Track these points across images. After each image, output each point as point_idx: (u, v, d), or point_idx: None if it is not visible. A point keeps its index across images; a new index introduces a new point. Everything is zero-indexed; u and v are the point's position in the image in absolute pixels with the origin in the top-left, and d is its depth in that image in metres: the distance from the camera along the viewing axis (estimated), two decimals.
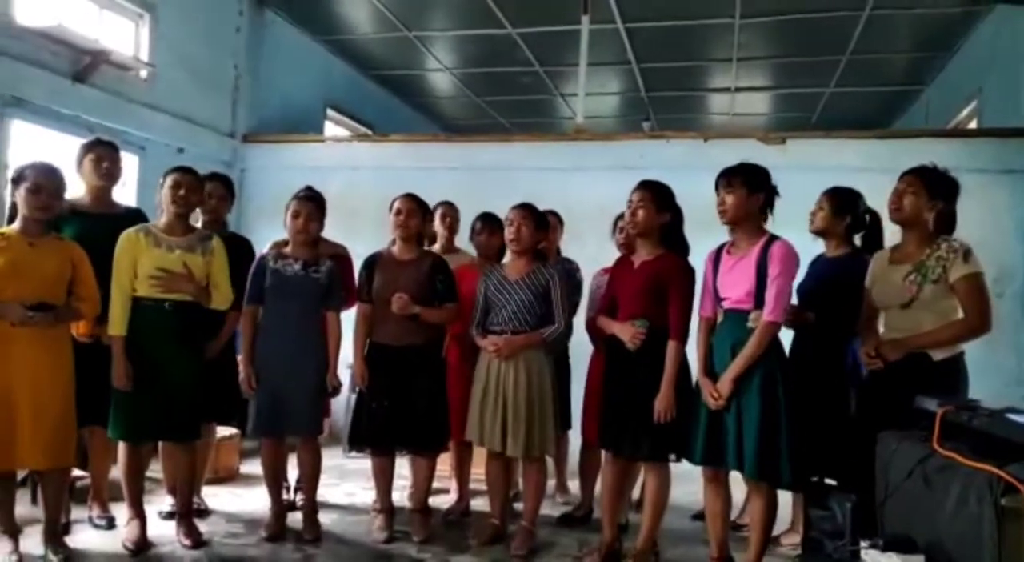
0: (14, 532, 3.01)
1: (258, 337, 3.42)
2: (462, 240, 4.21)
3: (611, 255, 3.55)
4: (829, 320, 3.13)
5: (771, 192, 2.89)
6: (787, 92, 8.09)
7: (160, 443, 3.40)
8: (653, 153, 5.45)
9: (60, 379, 2.98)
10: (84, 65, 4.63)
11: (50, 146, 4.48)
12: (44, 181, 2.93)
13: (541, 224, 3.43)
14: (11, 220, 3.04)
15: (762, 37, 6.61)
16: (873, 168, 4.10)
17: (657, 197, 3.10)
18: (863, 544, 2.08)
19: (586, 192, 5.11)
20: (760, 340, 2.72)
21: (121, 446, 3.25)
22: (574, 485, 4.11)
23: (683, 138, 5.60)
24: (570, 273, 3.87)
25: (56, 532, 3.09)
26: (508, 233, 3.38)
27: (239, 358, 3.74)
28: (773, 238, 2.83)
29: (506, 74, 7.85)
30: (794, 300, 3.29)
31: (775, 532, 3.49)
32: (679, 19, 6.27)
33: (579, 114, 6.31)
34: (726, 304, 2.87)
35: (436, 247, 4.10)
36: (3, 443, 2.85)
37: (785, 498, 3.43)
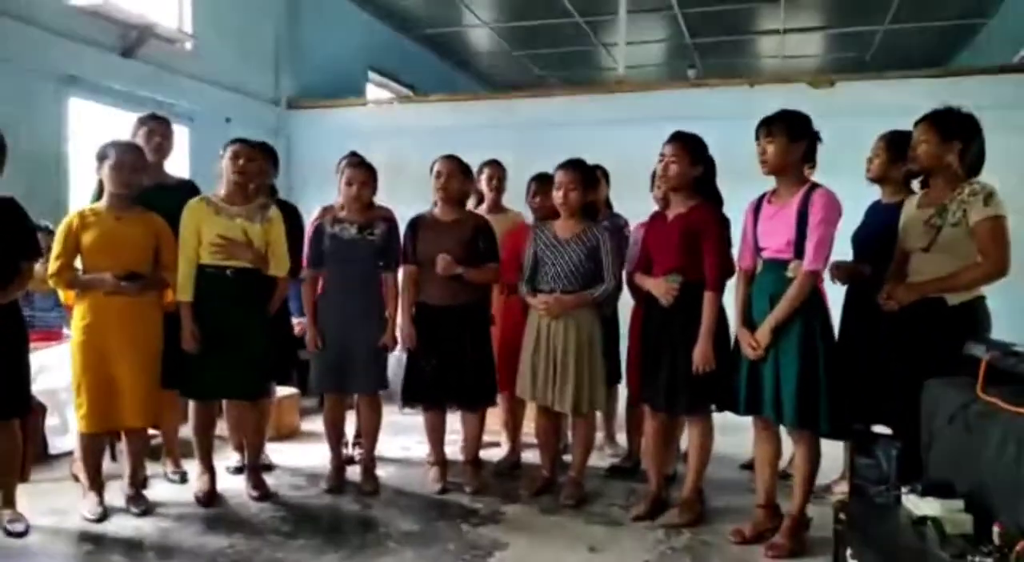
0: (100, 487, 3.24)
1: (320, 299, 3.56)
2: (508, 199, 4.22)
3: (654, 209, 3.52)
4: (887, 267, 3.07)
5: (813, 139, 2.83)
6: (839, 31, 7.77)
7: (224, 403, 3.57)
8: (697, 102, 5.35)
9: (152, 344, 3.19)
10: (131, 40, 4.76)
11: (104, 121, 4.65)
12: (126, 158, 3.10)
13: (590, 183, 3.40)
14: (99, 196, 3.21)
15: None
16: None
17: (690, 150, 3.07)
18: (903, 489, 2.09)
19: (629, 145, 5.01)
20: (800, 289, 2.70)
21: (192, 405, 3.43)
22: (622, 438, 4.17)
23: (728, 85, 5.47)
24: (619, 228, 3.87)
25: (136, 486, 3.31)
26: (556, 197, 3.37)
27: (294, 320, 3.90)
28: (815, 186, 2.78)
29: (545, 26, 7.73)
30: (845, 250, 3.23)
31: (827, 480, 3.55)
32: None
33: (620, 64, 6.20)
34: (765, 254, 2.85)
35: (483, 207, 4.13)
36: (107, 405, 3.08)
37: (838, 448, 3.45)
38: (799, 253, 2.72)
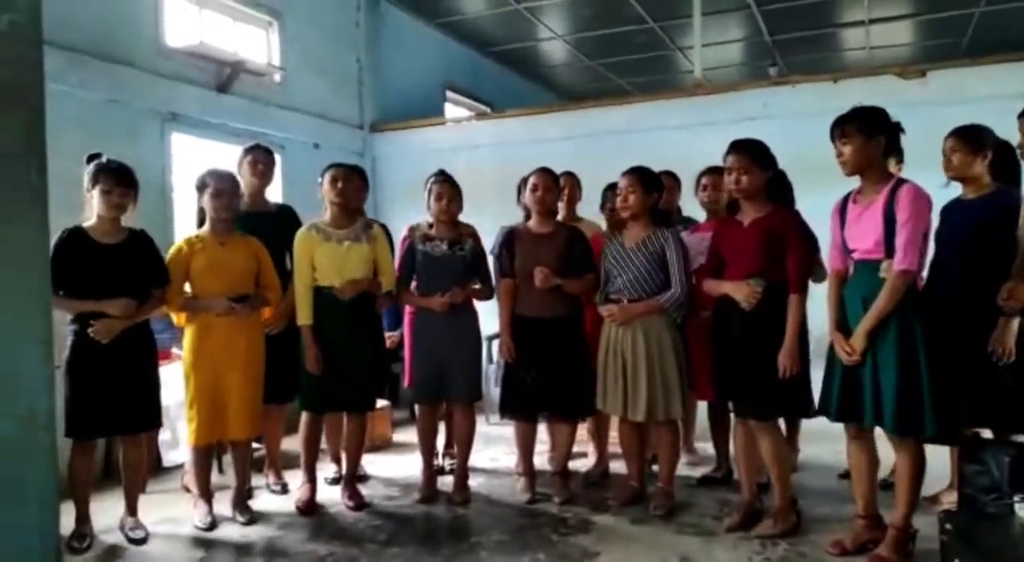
0: (209, 496, 3.44)
1: (416, 314, 3.70)
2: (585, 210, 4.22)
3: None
4: (981, 264, 2.91)
5: (894, 132, 2.72)
6: (930, 18, 7.39)
7: (327, 415, 3.71)
8: (778, 101, 5.22)
9: (256, 360, 3.38)
10: (226, 76, 5.06)
11: (202, 152, 4.94)
12: (224, 185, 3.32)
13: (651, 186, 3.39)
14: (200, 224, 3.42)
15: None
16: None
17: (756, 157, 3.02)
18: (1016, 498, 1.97)
19: (709, 148, 4.93)
20: (893, 290, 2.59)
21: (304, 417, 3.59)
22: (705, 446, 4.08)
23: (810, 82, 5.30)
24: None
25: (242, 496, 3.50)
26: (618, 200, 3.40)
27: (387, 335, 4.04)
28: (901, 182, 2.67)
29: (620, 34, 7.71)
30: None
31: (934, 490, 3.38)
32: None
33: (697, 67, 6.12)
34: (855, 255, 2.75)
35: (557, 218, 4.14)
36: (215, 417, 3.28)
37: (944, 454, 3.28)
38: (889, 252, 2.61)
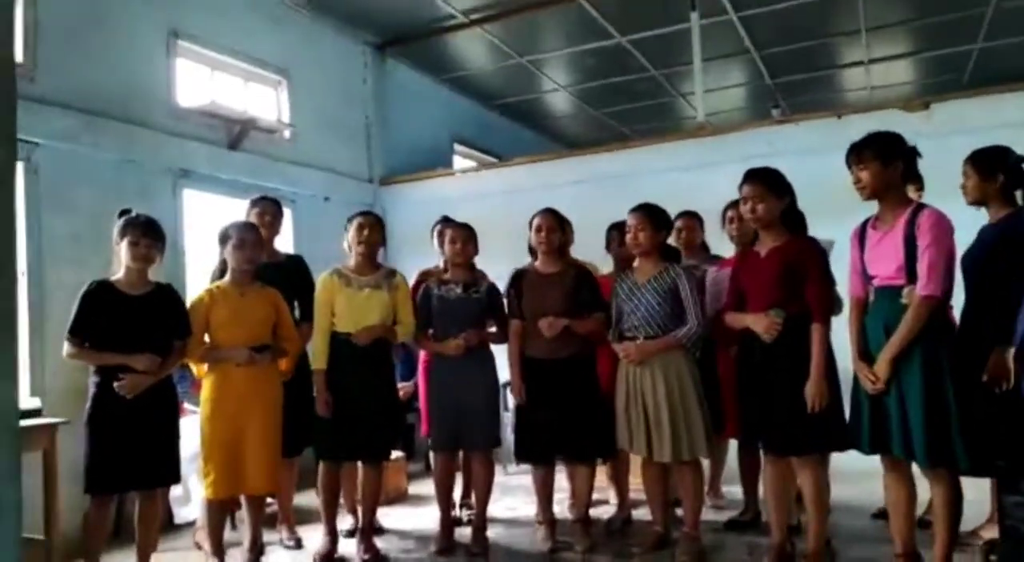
0: (222, 554, 3.34)
1: (432, 358, 3.66)
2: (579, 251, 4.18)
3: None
4: (1000, 288, 2.85)
5: (910, 157, 2.70)
6: (930, 55, 7.49)
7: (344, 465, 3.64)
8: (782, 139, 5.24)
9: (274, 412, 3.34)
10: (236, 134, 5.15)
11: (212, 208, 5.00)
12: (246, 237, 3.34)
13: (660, 224, 3.38)
14: (221, 275, 3.43)
15: (891, 1, 6.18)
16: None
17: (771, 185, 3.00)
18: None
19: (716, 189, 4.96)
20: (916, 316, 2.53)
21: (321, 468, 3.51)
22: (733, 490, 3.96)
23: (814, 119, 5.34)
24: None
25: (255, 553, 3.39)
26: (627, 238, 3.38)
27: (400, 386, 3.98)
28: (921, 207, 2.64)
29: (622, 83, 7.84)
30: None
31: (973, 526, 3.24)
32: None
33: (700, 112, 6.19)
34: (876, 282, 2.70)
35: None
36: (232, 471, 3.21)
37: (983, 487, 3.16)
38: (911, 278, 2.57)
